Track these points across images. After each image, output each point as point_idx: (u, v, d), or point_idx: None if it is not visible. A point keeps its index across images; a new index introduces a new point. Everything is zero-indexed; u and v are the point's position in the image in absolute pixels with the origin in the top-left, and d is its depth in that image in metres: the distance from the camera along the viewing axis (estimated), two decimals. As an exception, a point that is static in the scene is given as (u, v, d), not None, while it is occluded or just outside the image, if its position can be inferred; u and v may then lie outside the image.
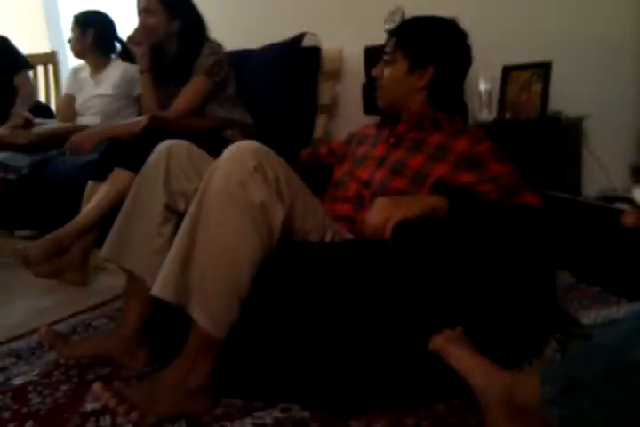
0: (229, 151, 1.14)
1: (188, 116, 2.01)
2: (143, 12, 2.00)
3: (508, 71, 2.17)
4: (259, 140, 1.20)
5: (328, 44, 2.47)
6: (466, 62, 1.42)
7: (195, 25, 2.04)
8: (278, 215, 1.10)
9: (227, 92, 2.11)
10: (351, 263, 1.12)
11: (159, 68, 2.09)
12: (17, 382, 1.29)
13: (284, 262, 1.13)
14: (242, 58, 2.49)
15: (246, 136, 2.08)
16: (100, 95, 2.48)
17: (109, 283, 1.84)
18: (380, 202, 1.19)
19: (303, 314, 1.10)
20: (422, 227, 1.15)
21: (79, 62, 2.62)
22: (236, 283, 1.07)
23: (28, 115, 2.40)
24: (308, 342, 1.10)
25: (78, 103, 2.56)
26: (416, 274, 1.10)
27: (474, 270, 1.13)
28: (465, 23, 1.43)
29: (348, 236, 1.33)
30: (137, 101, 2.47)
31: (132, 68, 2.36)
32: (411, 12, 1.80)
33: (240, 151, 1.12)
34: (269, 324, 1.12)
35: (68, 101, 2.61)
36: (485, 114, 2.21)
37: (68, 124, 2.47)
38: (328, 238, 1.27)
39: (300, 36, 2.44)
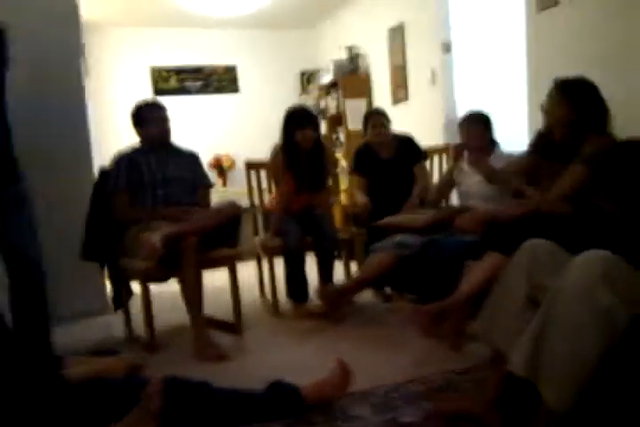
0: (582, 257, 1.35)
1: (569, 200, 2.10)
2: (550, 101, 2.23)
3: None
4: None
5: None
6: None
7: (590, 117, 2.14)
8: (622, 321, 1.25)
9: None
10: None
11: (548, 147, 2.29)
12: (403, 420, 1.70)
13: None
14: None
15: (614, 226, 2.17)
16: (480, 181, 2.85)
17: (479, 351, 2.15)
18: None
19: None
20: None
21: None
22: (579, 371, 1.27)
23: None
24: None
25: (461, 190, 3.03)
26: None
27: None
28: None
29: None
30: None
31: (514, 159, 2.70)
32: None
33: (591, 258, 1.33)
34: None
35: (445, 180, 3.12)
36: None
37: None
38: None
39: None
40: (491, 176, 2.74)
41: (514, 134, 3.58)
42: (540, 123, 2.41)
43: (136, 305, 2.81)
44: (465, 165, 2.98)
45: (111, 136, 4.93)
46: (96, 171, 3.04)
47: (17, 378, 1.52)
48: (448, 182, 3.14)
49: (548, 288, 1.48)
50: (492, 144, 2.99)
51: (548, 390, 1.31)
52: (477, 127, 2.95)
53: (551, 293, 1.38)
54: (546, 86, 2.32)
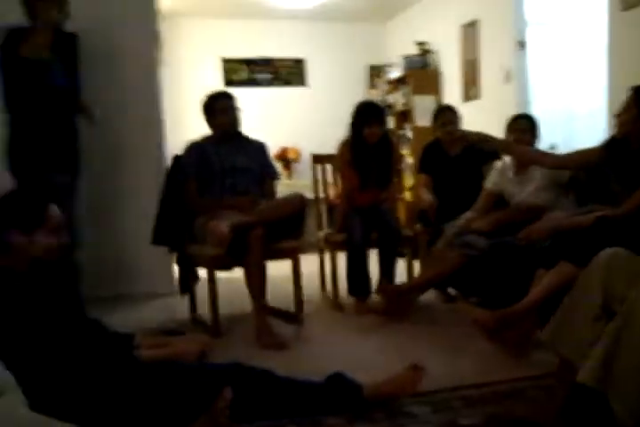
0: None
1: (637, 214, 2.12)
2: (623, 107, 2.21)
3: None
4: None
5: None
6: None
7: None
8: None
9: None
10: None
11: (620, 154, 2.24)
12: (463, 422, 1.68)
13: None
14: None
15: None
16: (533, 191, 2.78)
17: (545, 359, 2.09)
18: None
19: None
20: None
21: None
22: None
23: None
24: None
25: (514, 202, 2.88)
26: None
27: None
28: None
29: None
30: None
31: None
32: None
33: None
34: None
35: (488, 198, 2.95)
36: None
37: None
38: None
39: None
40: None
41: (590, 137, 3.46)
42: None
43: (201, 290, 2.88)
44: (510, 173, 2.91)
45: (184, 125, 5.05)
46: (169, 159, 3.13)
47: (94, 357, 1.59)
48: (493, 194, 2.98)
49: (625, 299, 1.44)
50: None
51: (619, 402, 1.28)
52: (526, 125, 2.91)
53: (628, 304, 1.34)
54: (626, 85, 2.25)
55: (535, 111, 4.10)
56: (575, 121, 4.02)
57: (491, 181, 3.00)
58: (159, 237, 2.95)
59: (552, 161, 2.59)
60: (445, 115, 3.40)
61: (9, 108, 2.82)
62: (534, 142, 2.91)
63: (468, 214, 2.90)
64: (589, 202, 2.55)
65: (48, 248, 1.63)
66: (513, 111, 4.28)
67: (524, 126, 2.90)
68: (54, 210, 1.66)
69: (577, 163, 2.52)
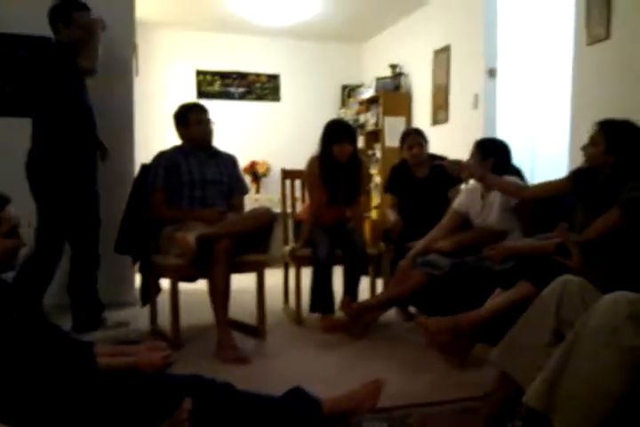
0: (610, 297, 1.35)
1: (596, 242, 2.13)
2: (590, 140, 2.24)
3: None
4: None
5: None
6: None
7: (630, 163, 2.14)
8: (645, 362, 1.26)
9: None
10: None
11: (586, 185, 2.29)
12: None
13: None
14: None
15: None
16: (496, 215, 2.81)
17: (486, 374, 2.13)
18: None
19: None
20: None
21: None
22: (595, 414, 1.27)
23: None
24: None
25: (476, 223, 2.93)
26: None
27: None
28: None
29: None
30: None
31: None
32: None
33: (616, 299, 1.33)
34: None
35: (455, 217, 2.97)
36: None
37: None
38: None
39: None
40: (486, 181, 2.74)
41: (553, 164, 3.59)
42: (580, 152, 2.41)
43: (163, 301, 2.86)
44: (477, 196, 2.95)
45: (155, 135, 5.03)
46: (138, 167, 3.11)
47: (51, 364, 1.57)
48: (458, 216, 3.00)
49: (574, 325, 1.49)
50: (505, 172, 2.88)
51: (563, 425, 1.31)
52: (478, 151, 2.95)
53: (575, 329, 1.39)
54: (589, 118, 2.33)
55: (499, 137, 4.22)
56: (538, 148, 4.15)
57: (458, 202, 3.02)
58: (123, 246, 2.93)
59: (526, 193, 2.64)
60: (413, 137, 3.46)
61: None
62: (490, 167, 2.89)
63: (433, 232, 2.96)
64: (539, 230, 2.63)
65: (3, 251, 1.59)
66: (480, 136, 4.40)
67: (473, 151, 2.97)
68: (11, 212, 1.62)
69: (549, 194, 2.56)
